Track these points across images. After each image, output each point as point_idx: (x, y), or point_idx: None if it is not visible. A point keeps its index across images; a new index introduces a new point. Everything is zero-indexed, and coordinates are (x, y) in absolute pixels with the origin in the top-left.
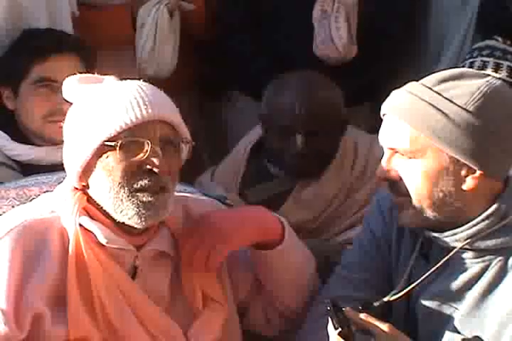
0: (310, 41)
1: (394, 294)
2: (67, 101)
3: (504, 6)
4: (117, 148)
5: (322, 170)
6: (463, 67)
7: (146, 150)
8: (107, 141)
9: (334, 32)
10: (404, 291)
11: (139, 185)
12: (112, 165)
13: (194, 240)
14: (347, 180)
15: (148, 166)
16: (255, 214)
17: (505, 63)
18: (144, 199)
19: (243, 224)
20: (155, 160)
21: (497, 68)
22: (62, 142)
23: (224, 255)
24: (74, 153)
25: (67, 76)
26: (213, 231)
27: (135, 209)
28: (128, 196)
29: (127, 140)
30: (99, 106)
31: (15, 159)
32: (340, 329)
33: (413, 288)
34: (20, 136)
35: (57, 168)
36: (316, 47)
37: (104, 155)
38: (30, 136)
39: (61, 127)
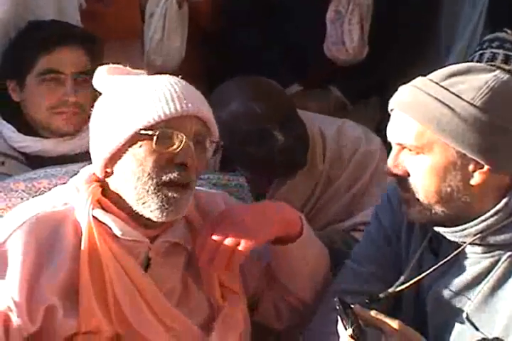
0: (321, 32)
1: (398, 285)
2: (73, 93)
3: None
4: (154, 138)
5: (306, 158)
6: (472, 59)
7: (180, 144)
8: (143, 130)
9: (346, 34)
10: (411, 282)
11: (168, 178)
12: (143, 155)
13: (216, 237)
14: (321, 170)
15: (179, 160)
16: (277, 208)
17: None
18: (170, 194)
19: (267, 219)
20: (187, 155)
21: (506, 60)
22: (68, 133)
23: (248, 251)
24: (105, 138)
25: (73, 68)
26: (237, 227)
27: (159, 203)
28: (154, 188)
29: (164, 131)
30: (137, 95)
31: (22, 151)
32: (351, 330)
33: (419, 280)
34: (27, 128)
35: (65, 159)
36: (327, 48)
37: (137, 144)
38: (37, 128)
39: (67, 119)
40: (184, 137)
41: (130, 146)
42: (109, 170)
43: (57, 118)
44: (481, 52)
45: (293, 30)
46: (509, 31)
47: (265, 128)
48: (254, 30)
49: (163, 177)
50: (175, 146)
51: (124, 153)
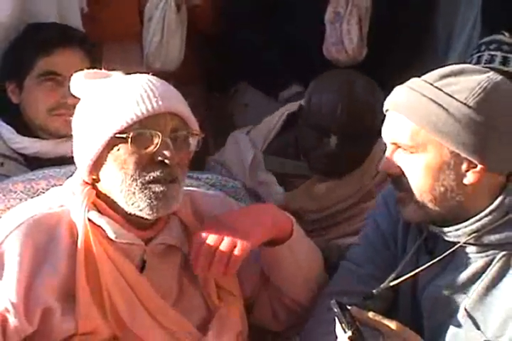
0: (322, 33)
1: (391, 280)
2: (72, 95)
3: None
4: (129, 140)
5: (347, 172)
6: (470, 61)
7: (157, 143)
8: (118, 134)
9: (345, 35)
10: (403, 278)
11: (151, 177)
12: (123, 157)
13: (211, 242)
14: (366, 185)
15: (159, 158)
16: (269, 212)
17: None
18: (157, 189)
19: (260, 220)
20: (166, 152)
21: (504, 62)
22: (67, 135)
23: (246, 254)
24: (84, 146)
25: (72, 70)
26: (231, 230)
27: (147, 200)
28: (140, 188)
29: (138, 132)
30: (110, 99)
31: (21, 152)
32: (350, 333)
33: (412, 276)
34: (26, 129)
35: (63, 161)
36: (326, 49)
37: (116, 148)
38: (36, 130)
39: (66, 120)
40: (160, 135)
41: (109, 151)
42: (94, 176)
43: (55, 120)
44: (478, 54)
45: (294, 31)
46: (506, 33)
47: (328, 131)
48: (255, 31)
49: (147, 177)
50: (152, 145)
51: (105, 158)
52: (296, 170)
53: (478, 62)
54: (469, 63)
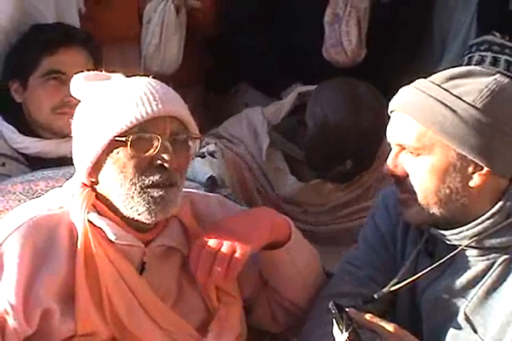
0: (323, 34)
1: (392, 285)
2: None
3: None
4: (128, 144)
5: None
6: (461, 62)
7: (157, 146)
8: (118, 137)
9: (344, 36)
10: (405, 282)
11: (150, 181)
12: (123, 161)
13: (211, 246)
14: (365, 181)
15: (159, 162)
16: (267, 215)
17: (503, 57)
18: (155, 194)
19: (259, 224)
20: (165, 156)
21: (495, 62)
22: (70, 134)
23: (246, 258)
24: (84, 148)
25: (76, 68)
26: (231, 234)
27: (146, 205)
28: (139, 192)
29: (138, 135)
30: (110, 102)
31: (22, 152)
32: (347, 334)
33: (414, 280)
34: (28, 129)
35: (65, 160)
36: (326, 50)
37: (115, 151)
38: (38, 129)
39: (69, 119)
40: (160, 139)
41: (109, 154)
42: (93, 179)
43: (59, 119)
44: (469, 55)
45: (293, 33)
46: (497, 34)
47: (342, 158)
48: (256, 34)
49: (146, 181)
50: (152, 149)
51: (105, 161)
52: (301, 158)
53: (468, 63)
54: (461, 64)
